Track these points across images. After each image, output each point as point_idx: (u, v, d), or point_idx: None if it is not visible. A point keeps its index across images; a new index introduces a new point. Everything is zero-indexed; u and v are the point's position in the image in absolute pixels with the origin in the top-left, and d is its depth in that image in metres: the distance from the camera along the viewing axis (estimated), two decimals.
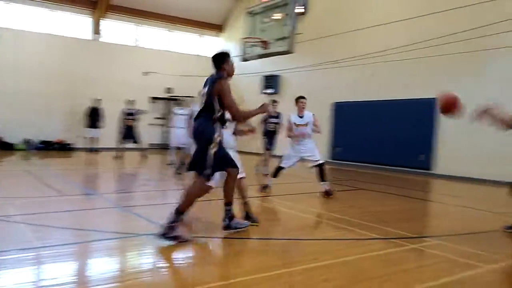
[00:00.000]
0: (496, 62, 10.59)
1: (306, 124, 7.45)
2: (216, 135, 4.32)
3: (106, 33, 18.10)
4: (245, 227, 4.83)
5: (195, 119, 4.53)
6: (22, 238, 4.47)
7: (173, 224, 4.25)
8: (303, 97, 7.58)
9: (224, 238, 4.81)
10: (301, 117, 7.50)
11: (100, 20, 17.55)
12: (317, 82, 15.05)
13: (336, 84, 14.35)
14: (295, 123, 7.49)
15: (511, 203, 6.11)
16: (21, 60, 15.88)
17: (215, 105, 4.35)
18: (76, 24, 17.57)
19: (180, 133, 11.89)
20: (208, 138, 4.29)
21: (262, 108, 4.78)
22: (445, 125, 11.42)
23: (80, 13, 17.55)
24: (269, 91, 17.19)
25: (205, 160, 4.27)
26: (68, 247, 4.28)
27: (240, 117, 4.50)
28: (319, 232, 5.16)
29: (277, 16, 15.28)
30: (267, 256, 4.19)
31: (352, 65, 13.35)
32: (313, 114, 7.58)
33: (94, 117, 15.80)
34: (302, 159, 7.61)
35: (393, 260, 4.17)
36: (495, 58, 10.46)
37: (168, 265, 3.88)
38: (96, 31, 17.66)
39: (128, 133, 13.43)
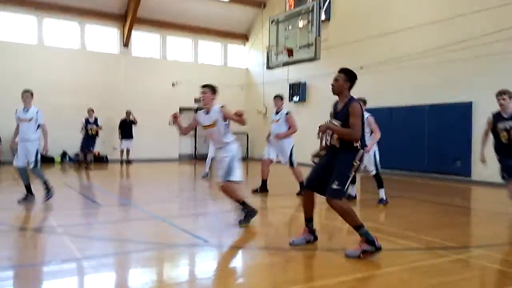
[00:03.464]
0: None
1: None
2: None
3: (134, 46, 18.49)
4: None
5: None
6: (64, 249, 4.57)
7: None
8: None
9: (256, 249, 4.78)
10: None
11: (128, 34, 17.93)
12: None
13: (365, 89, 14.14)
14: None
15: None
16: (54, 76, 16.31)
17: None
18: (105, 38, 18.04)
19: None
20: None
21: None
22: (481, 130, 11.09)
23: (108, 27, 17.98)
24: (295, 98, 17.16)
25: None
26: (108, 257, 4.35)
27: None
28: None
29: (301, 23, 15.28)
30: (301, 267, 4.14)
31: (380, 70, 13.18)
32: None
33: (126, 128, 16.09)
34: None
35: (436, 272, 4.04)
36: None
37: (206, 276, 3.88)
38: (125, 44, 18.06)
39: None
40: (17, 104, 7.61)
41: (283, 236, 5.73)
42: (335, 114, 4.52)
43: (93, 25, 17.59)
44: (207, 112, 5.77)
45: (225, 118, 5.67)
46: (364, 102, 7.59)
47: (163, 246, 4.84)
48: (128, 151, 16.11)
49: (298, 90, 17.06)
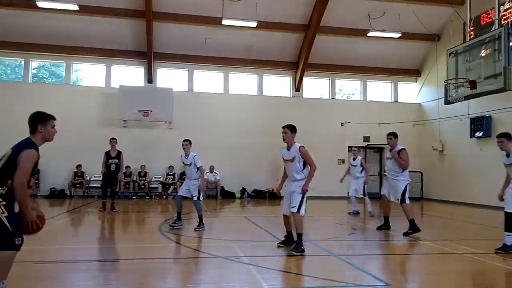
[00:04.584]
0: None
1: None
2: None
3: (305, 89, 19.50)
4: None
5: None
6: (251, 279, 4.97)
7: None
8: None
9: None
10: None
11: (300, 79, 19.03)
12: None
13: None
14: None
15: None
16: (236, 120, 18.28)
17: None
18: (279, 84, 19.66)
19: (353, 183, 12.35)
20: None
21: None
22: None
23: (283, 75, 19.44)
24: (478, 134, 15.55)
25: None
26: None
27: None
28: None
29: (484, 53, 13.88)
30: None
31: None
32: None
33: None
34: None
35: None
36: None
37: None
38: (297, 88, 19.18)
39: None
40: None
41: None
42: None
43: (269, 75, 19.31)
44: (288, 149, 6.57)
45: (302, 156, 6.43)
46: None
47: (343, 284, 4.84)
48: None
49: (481, 124, 15.45)
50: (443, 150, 17.97)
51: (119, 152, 11.85)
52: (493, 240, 7.18)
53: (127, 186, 16.52)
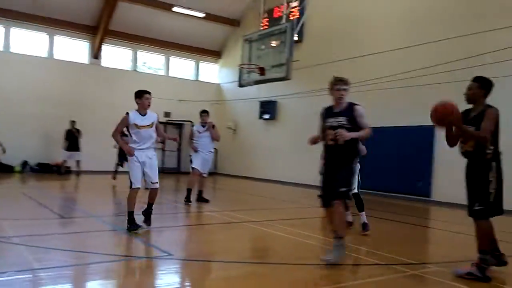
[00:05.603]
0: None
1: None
2: None
3: (104, 57, 18.32)
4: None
5: None
6: (21, 260, 4.44)
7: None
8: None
9: (219, 261, 4.78)
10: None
11: (98, 45, 17.76)
12: (314, 108, 15.21)
13: None
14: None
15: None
16: (20, 84, 15.94)
17: None
18: (75, 48, 17.84)
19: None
20: None
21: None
22: (442, 152, 11.53)
23: (79, 38, 17.79)
24: (265, 116, 17.36)
25: None
26: (67, 269, 4.25)
27: None
28: (314, 257, 5.12)
29: (274, 43, 15.51)
30: (262, 280, 4.18)
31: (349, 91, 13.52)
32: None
33: (72, 139, 15.17)
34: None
35: (393, 286, 4.17)
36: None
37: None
38: (95, 55, 17.86)
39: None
40: None
41: (250, 250, 5.76)
42: (466, 122, 4.27)
43: (63, 36, 17.38)
44: (144, 115, 6.37)
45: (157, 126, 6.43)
46: None
47: (124, 258, 4.78)
48: (76, 162, 15.28)
49: (268, 108, 17.27)
50: (236, 129, 19.48)
51: None
52: (269, 209, 8.17)
53: None
